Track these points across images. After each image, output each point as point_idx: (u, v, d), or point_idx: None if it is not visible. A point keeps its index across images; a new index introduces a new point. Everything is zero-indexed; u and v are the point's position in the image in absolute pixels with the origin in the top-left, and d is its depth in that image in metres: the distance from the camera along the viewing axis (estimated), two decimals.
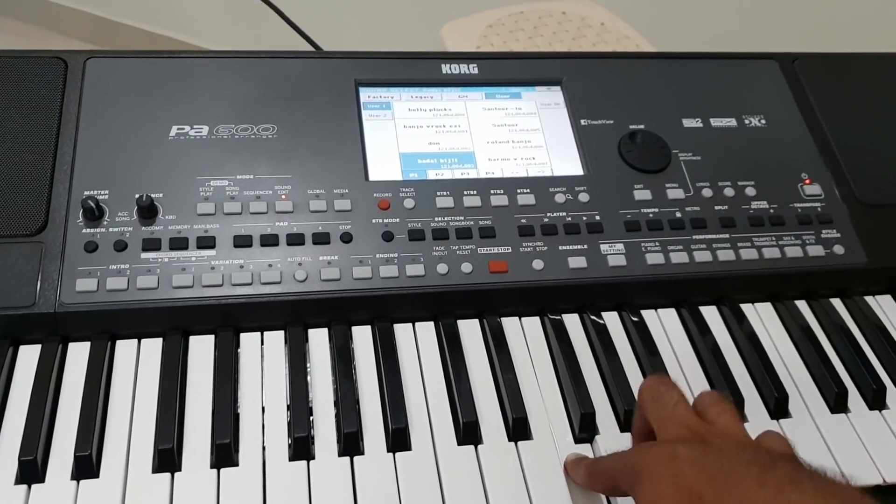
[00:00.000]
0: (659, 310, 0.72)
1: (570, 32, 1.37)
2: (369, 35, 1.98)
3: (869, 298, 0.77)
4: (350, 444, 0.59)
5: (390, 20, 1.94)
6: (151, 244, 0.66)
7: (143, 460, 0.57)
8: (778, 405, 0.66)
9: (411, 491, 0.57)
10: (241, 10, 1.80)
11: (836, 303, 0.76)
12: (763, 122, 0.83)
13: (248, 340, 0.66)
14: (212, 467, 0.58)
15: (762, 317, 0.73)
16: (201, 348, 0.65)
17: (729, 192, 0.77)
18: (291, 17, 1.19)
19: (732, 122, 0.82)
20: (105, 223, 0.66)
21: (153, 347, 0.64)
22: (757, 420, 0.65)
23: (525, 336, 0.69)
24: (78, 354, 0.63)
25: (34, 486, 0.55)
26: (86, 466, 0.56)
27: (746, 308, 0.73)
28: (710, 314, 0.72)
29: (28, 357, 0.62)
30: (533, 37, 1.35)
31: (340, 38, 1.90)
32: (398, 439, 0.60)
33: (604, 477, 0.55)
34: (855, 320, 0.74)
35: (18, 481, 0.55)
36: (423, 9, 1.82)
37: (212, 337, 0.65)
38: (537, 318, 0.70)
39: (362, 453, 0.59)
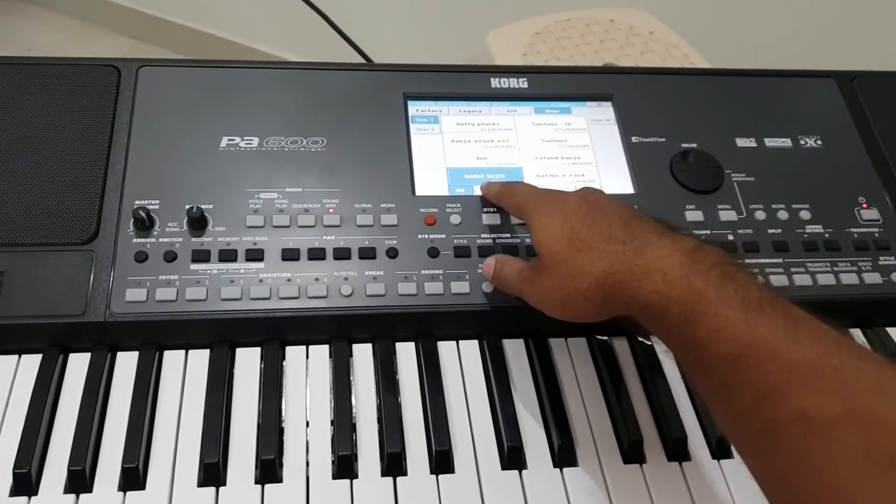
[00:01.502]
0: None
1: (618, 41, 1.36)
2: (414, 42, 1.98)
3: None
4: (393, 464, 0.59)
5: (436, 27, 1.94)
6: (201, 255, 0.66)
7: (189, 474, 0.58)
8: None
9: None
10: (288, 12, 1.81)
11: (894, 332, 0.74)
12: (819, 142, 0.81)
13: (294, 354, 0.66)
14: (256, 483, 0.58)
15: None
16: (248, 361, 0.65)
17: (783, 214, 0.75)
18: (334, 20, 1.20)
19: (787, 142, 0.81)
20: (155, 233, 0.67)
21: (200, 359, 0.65)
22: None
23: (571, 358, 0.68)
24: (126, 364, 0.63)
25: (82, 496, 0.56)
26: (132, 478, 0.56)
27: None
28: None
29: (77, 365, 0.63)
30: (580, 45, 1.34)
31: (386, 45, 1.90)
32: (441, 461, 0.59)
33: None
34: None
35: (67, 490, 0.56)
36: (468, 16, 1.81)
37: (258, 350, 0.66)
38: (584, 340, 0.70)
39: (405, 474, 0.59)
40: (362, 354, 0.66)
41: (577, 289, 0.56)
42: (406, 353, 0.67)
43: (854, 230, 0.75)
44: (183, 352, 0.65)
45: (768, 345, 0.46)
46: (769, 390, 0.45)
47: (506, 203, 0.69)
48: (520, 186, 0.68)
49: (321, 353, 0.66)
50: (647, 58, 1.33)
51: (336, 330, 0.66)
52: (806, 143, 0.81)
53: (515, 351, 0.68)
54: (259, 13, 2.13)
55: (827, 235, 0.75)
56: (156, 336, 0.64)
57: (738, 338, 0.47)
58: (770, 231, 0.74)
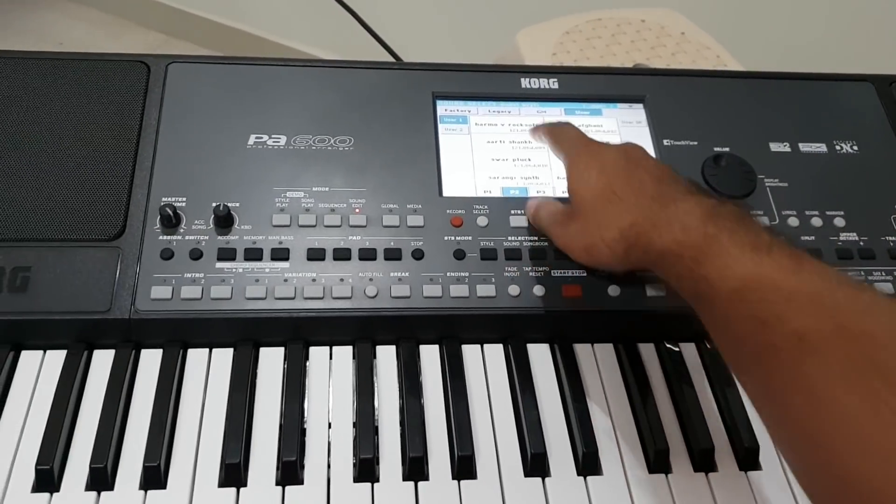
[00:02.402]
0: None
1: (649, 41, 1.34)
2: (444, 40, 1.97)
3: None
4: (415, 468, 0.58)
5: (465, 26, 1.93)
6: (227, 254, 0.66)
7: (210, 474, 0.57)
8: None
9: None
10: (318, 9, 1.81)
11: None
12: (855, 148, 0.79)
13: (317, 354, 0.65)
14: (277, 484, 0.57)
15: None
16: (271, 361, 0.65)
17: (816, 221, 0.74)
18: (363, 17, 1.19)
19: (823, 147, 0.79)
20: (182, 231, 0.67)
21: (224, 358, 0.64)
22: None
23: (598, 364, 0.67)
24: (150, 362, 0.63)
25: (104, 494, 0.56)
26: (154, 477, 0.56)
27: None
28: None
29: (101, 361, 0.63)
30: (610, 44, 1.33)
31: (415, 44, 1.89)
32: (464, 467, 0.59)
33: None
34: None
35: (88, 488, 0.56)
36: (498, 15, 1.80)
37: (281, 349, 0.65)
38: (611, 346, 0.69)
39: (427, 479, 0.58)
40: (386, 356, 0.66)
41: (604, 238, 0.60)
42: (430, 356, 0.66)
43: (890, 238, 0.74)
44: (207, 350, 0.65)
45: (771, 278, 0.50)
46: (769, 316, 0.48)
47: (549, 141, 0.72)
48: (568, 130, 0.70)
49: (345, 354, 0.66)
50: (678, 59, 1.31)
51: (360, 331, 0.66)
52: (842, 148, 0.79)
53: (540, 356, 0.67)
54: (289, 9, 2.14)
55: (862, 243, 0.73)
56: (180, 334, 0.64)
57: (744, 273, 0.51)
58: (804, 238, 0.72)
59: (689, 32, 1.37)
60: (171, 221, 0.66)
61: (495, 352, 0.67)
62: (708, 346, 0.68)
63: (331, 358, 0.65)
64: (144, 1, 2.36)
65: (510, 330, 0.68)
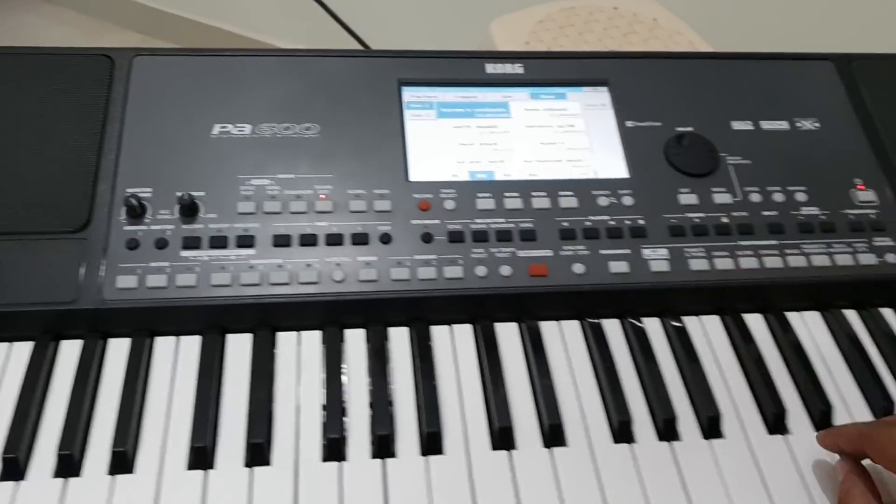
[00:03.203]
0: (702, 317, 0.71)
1: (622, 28, 1.35)
2: (417, 30, 1.98)
3: None
4: (383, 446, 0.59)
5: (438, 15, 1.94)
6: (192, 242, 0.66)
7: (178, 457, 0.58)
8: (823, 417, 0.64)
9: (443, 495, 0.57)
10: (295, 5, 1.82)
11: (888, 313, 0.73)
12: (817, 125, 0.80)
13: (285, 340, 0.66)
14: (245, 466, 0.58)
15: (809, 326, 0.71)
16: (239, 347, 0.65)
17: (778, 197, 0.75)
18: (339, 11, 1.20)
19: (784, 124, 0.80)
20: (147, 221, 0.67)
21: (192, 345, 0.65)
22: (800, 431, 0.63)
23: (564, 341, 0.68)
24: (118, 351, 0.64)
25: (71, 480, 0.56)
26: (121, 462, 0.57)
27: (793, 317, 0.71)
28: (755, 322, 0.71)
29: (69, 352, 0.63)
30: (583, 32, 1.33)
31: (388, 34, 1.90)
32: (431, 443, 0.59)
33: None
34: None
35: (56, 474, 0.56)
36: (471, 5, 1.81)
37: (249, 336, 0.66)
38: (577, 323, 0.69)
39: (395, 456, 0.59)
40: (355, 340, 0.66)
41: None
42: (399, 338, 0.67)
43: (850, 212, 0.75)
44: (174, 338, 0.65)
45: None
46: None
47: (873, 454, 0.56)
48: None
49: (313, 339, 0.66)
50: (650, 45, 1.32)
51: (328, 316, 0.66)
52: (803, 125, 0.80)
53: (508, 334, 0.68)
54: (266, 7, 2.14)
55: (822, 217, 0.74)
56: (147, 323, 0.65)
57: None
58: (765, 213, 0.73)
59: (661, 19, 1.38)
60: (136, 212, 0.67)
61: (464, 332, 0.68)
62: (672, 323, 0.69)
63: (299, 343, 0.66)
64: (122, 1, 2.36)
65: (478, 310, 0.69)
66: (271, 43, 2.21)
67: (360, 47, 1.20)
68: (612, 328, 0.69)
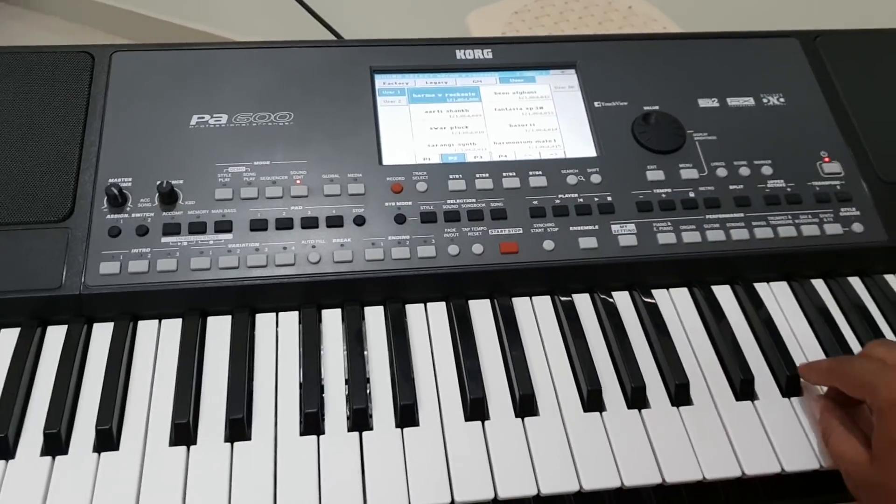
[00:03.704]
0: (671, 289, 0.73)
1: (597, 17, 1.37)
2: (394, 25, 2.00)
3: (890, 277, 0.76)
4: (359, 419, 0.61)
5: (415, 10, 1.95)
6: (171, 229, 0.68)
7: (161, 434, 0.60)
8: (790, 384, 0.65)
9: (418, 465, 0.59)
10: (276, 8, 1.84)
11: (856, 282, 0.75)
12: (782, 100, 0.82)
13: (264, 321, 0.68)
14: (226, 441, 0.60)
15: (777, 296, 0.73)
16: (219, 328, 0.67)
17: (744, 171, 0.76)
18: (319, 9, 1.22)
19: (750, 101, 0.82)
20: (128, 209, 0.69)
21: (173, 328, 0.67)
22: (767, 397, 0.65)
23: (536, 316, 0.70)
24: (102, 334, 0.66)
25: (58, 458, 0.58)
26: (106, 439, 0.58)
27: (761, 287, 0.73)
28: (724, 294, 0.72)
29: (55, 337, 0.65)
30: (559, 22, 1.35)
31: (365, 29, 1.92)
32: (406, 415, 0.61)
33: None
34: (874, 299, 0.74)
35: (43, 453, 0.58)
36: None
37: (229, 318, 0.68)
38: (548, 298, 0.71)
39: (371, 429, 0.61)
40: (332, 319, 0.68)
41: None
42: (375, 317, 0.69)
43: (816, 183, 0.77)
44: (156, 321, 0.67)
45: None
46: None
47: (841, 384, 0.61)
48: (860, 365, 0.59)
49: (291, 319, 0.68)
50: (624, 32, 1.34)
51: (305, 296, 0.68)
52: (769, 101, 0.82)
53: (481, 310, 0.70)
54: (250, 10, 2.16)
55: (789, 189, 0.76)
56: (130, 307, 0.67)
57: None
58: (731, 187, 0.75)
59: (636, 6, 1.40)
60: (117, 201, 0.69)
61: (438, 309, 0.70)
62: (641, 296, 0.71)
63: (277, 324, 0.68)
64: (109, 8, 2.38)
65: (452, 288, 0.70)
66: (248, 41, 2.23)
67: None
68: (583, 302, 0.71)
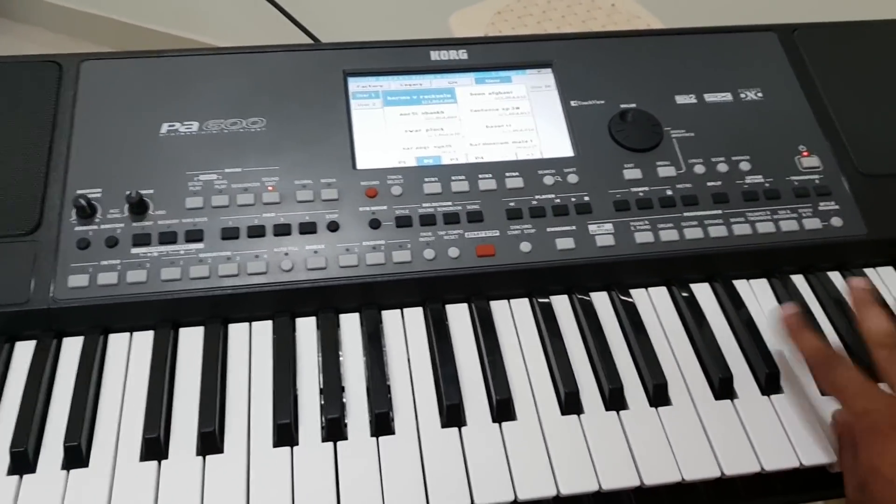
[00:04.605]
0: (650, 289, 0.72)
1: (580, 15, 1.36)
2: (376, 28, 1.99)
3: (870, 270, 0.75)
4: (333, 429, 0.60)
5: (398, 12, 1.94)
6: (141, 239, 0.67)
7: (132, 449, 0.59)
8: (769, 382, 0.65)
9: (394, 474, 0.58)
10: (258, 12, 1.83)
11: (836, 276, 0.74)
12: (760, 95, 0.81)
13: (237, 331, 0.67)
14: (198, 454, 0.59)
15: (756, 292, 0.72)
16: (191, 340, 0.66)
17: (722, 167, 0.76)
18: (297, 13, 1.21)
19: (728, 96, 0.81)
20: (97, 220, 0.68)
21: (145, 340, 0.66)
22: (747, 396, 0.64)
23: (514, 318, 0.69)
24: (71, 349, 0.64)
25: (26, 477, 0.57)
26: (75, 456, 0.57)
27: (740, 284, 0.72)
28: (703, 292, 0.72)
29: (24, 352, 0.64)
30: (542, 21, 1.35)
31: (347, 32, 1.91)
32: (381, 424, 0.60)
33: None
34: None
35: (11, 472, 0.57)
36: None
37: (202, 328, 0.67)
38: (527, 301, 0.70)
39: (346, 438, 0.60)
40: (306, 328, 0.67)
41: None
42: (350, 324, 0.68)
43: (794, 178, 0.76)
44: (128, 334, 0.66)
45: None
46: None
47: (818, 378, 0.63)
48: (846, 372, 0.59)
49: (265, 328, 0.67)
50: (608, 30, 1.33)
51: (278, 305, 0.67)
52: (746, 96, 0.81)
53: (459, 315, 0.69)
54: (236, 16, 2.15)
55: (767, 185, 0.75)
56: (100, 320, 0.66)
57: None
58: (709, 184, 0.75)
59: (619, 3, 1.39)
60: (86, 212, 0.68)
61: (415, 314, 0.69)
62: (619, 296, 0.70)
63: (250, 333, 0.67)
64: (94, 18, 2.36)
65: (428, 293, 0.69)
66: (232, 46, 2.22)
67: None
68: (561, 303, 0.70)
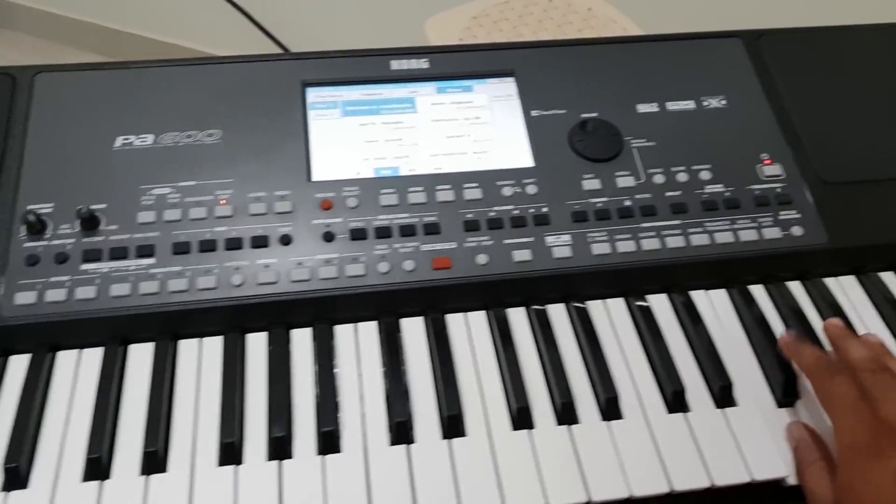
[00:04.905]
0: (607, 300, 0.71)
1: (556, 20, 1.36)
2: (351, 35, 1.98)
3: (831, 280, 0.74)
4: (279, 448, 0.59)
5: (373, 19, 1.94)
6: (92, 255, 0.67)
7: (74, 470, 0.58)
8: (723, 395, 0.64)
9: (338, 494, 0.57)
10: (237, 16, 1.82)
11: (796, 286, 0.73)
12: (724, 102, 0.81)
13: (187, 347, 0.66)
14: (141, 474, 0.58)
15: (714, 303, 0.71)
16: (140, 356, 0.65)
17: (682, 176, 0.75)
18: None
19: (691, 104, 0.80)
20: (47, 236, 0.67)
21: (93, 357, 0.65)
22: (701, 410, 0.63)
23: (470, 332, 0.68)
24: (17, 367, 0.64)
25: None
26: (14, 477, 0.57)
27: (698, 295, 0.72)
28: (659, 303, 0.71)
29: None
30: (517, 26, 1.34)
31: (321, 40, 1.90)
32: (327, 442, 0.60)
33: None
34: (814, 303, 0.72)
35: None
36: (408, 4, 1.81)
37: (152, 345, 0.66)
38: (483, 314, 0.70)
39: (291, 457, 0.59)
40: (257, 344, 0.67)
41: None
42: (302, 340, 0.67)
43: (755, 187, 0.75)
44: (76, 351, 0.65)
45: None
46: None
47: (814, 386, 0.61)
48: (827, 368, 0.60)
49: (215, 344, 0.66)
50: (584, 35, 1.33)
51: (229, 321, 0.67)
52: (709, 103, 0.81)
53: (413, 328, 0.68)
54: (221, 23, 2.14)
55: (727, 194, 0.74)
56: (48, 338, 0.65)
57: None
58: (668, 194, 0.74)
59: (595, 7, 1.39)
60: (35, 228, 0.67)
61: (369, 329, 0.68)
62: (575, 308, 0.70)
63: (200, 350, 0.66)
64: (76, 23, 2.36)
65: (382, 307, 0.69)
66: (217, 54, 2.21)
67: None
68: (517, 316, 0.69)
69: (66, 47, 2.40)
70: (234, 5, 1.17)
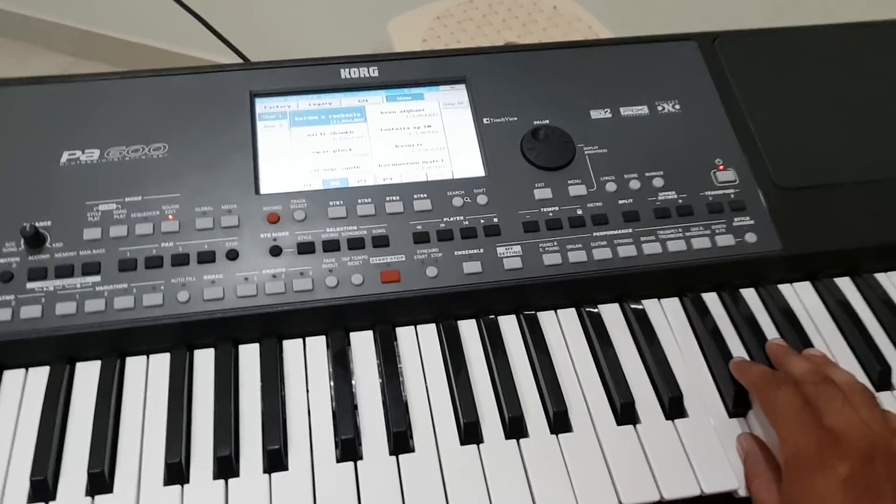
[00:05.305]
0: (559, 311, 0.71)
1: (521, 18, 1.35)
2: (313, 41, 1.96)
3: (786, 286, 0.74)
4: (224, 467, 0.59)
5: (335, 23, 1.92)
6: (37, 273, 0.66)
7: (20, 492, 0.58)
8: (672, 406, 0.64)
9: None
10: (220, 17, 1.80)
11: (750, 293, 0.73)
12: (678, 107, 0.80)
13: (134, 365, 0.66)
14: (87, 495, 0.58)
15: (667, 312, 0.71)
16: (87, 375, 0.65)
17: (635, 184, 0.75)
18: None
19: (644, 109, 0.80)
20: None
21: (40, 377, 0.64)
22: (651, 420, 0.63)
23: (419, 345, 0.68)
24: None
25: None
26: None
27: (651, 304, 0.72)
28: (612, 313, 0.71)
29: None
30: (482, 26, 1.33)
31: (283, 47, 1.89)
32: (273, 460, 0.59)
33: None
34: (767, 310, 0.72)
35: None
36: (371, 5, 1.80)
37: (98, 363, 0.65)
38: (433, 326, 0.69)
39: (237, 475, 0.59)
40: (203, 361, 0.66)
41: None
42: (249, 356, 0.67)
43: (709, 193, 0.75)
44: (23, 371, 0.65)
45: None
46: None
47: (760, 404, 0.62)
48: (776, 387, 0.60)
49: (162, 362, 0.66)
50: (549, 33, 1.32)
51: (175, 338, 0.66)
52: (664, 108, 0.80)
53: (362, 342, 0.68)
54: (191, 22, 2.12)
55: (680, 201, 0.74)
56: None
57: None
58: (620, 202, 0.74)
59: (560, 6, 1.38)
60: None
61: (317, 344, 0.68)
62: (525, 320, 0.69)
63: (147, 367, 0.65)
64: (50, 24, 2.34)
65: (330, 321, 0.68)
66: (201, 57, 2.20)
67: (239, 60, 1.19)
68: (468, 328, 0.69)
69: (37, 48, 2.38)
70: (192, 14, 1.16)
